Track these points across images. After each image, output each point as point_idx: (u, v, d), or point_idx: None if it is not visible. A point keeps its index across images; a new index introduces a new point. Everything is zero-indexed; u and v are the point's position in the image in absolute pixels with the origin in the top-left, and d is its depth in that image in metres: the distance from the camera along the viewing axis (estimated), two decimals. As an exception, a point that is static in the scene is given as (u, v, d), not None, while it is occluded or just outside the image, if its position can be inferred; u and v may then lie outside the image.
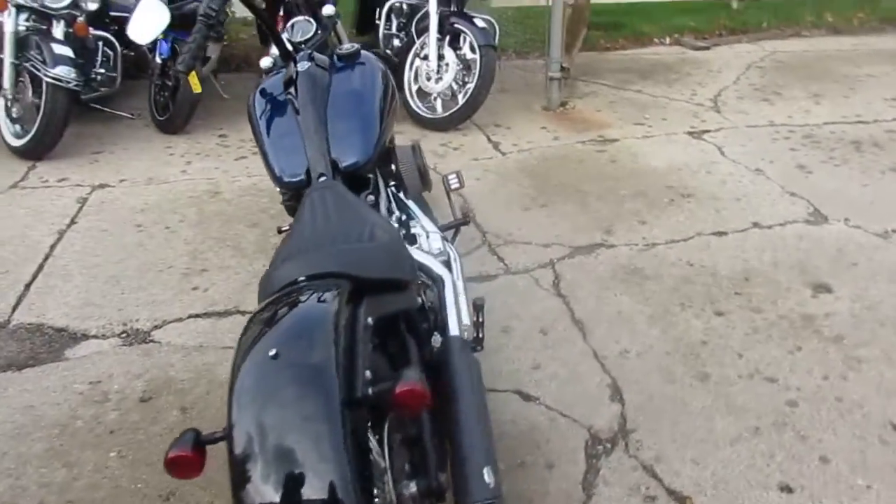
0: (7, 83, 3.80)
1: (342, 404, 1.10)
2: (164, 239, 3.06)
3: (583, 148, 4.04)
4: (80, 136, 4.14)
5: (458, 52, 4.21)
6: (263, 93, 2.06)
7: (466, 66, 4.20)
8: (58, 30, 3.89)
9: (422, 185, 2.10)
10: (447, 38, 4.21)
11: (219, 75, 4.69)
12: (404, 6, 4.57)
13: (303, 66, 2.01)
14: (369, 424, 1.21)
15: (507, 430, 2.03)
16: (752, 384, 2.21)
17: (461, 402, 1.48)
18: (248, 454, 1.05)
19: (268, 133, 1.98)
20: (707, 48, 6.11)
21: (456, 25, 4.16)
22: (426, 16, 4.19)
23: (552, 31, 4.47)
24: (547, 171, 3.74)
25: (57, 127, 3.78)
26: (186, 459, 1.08)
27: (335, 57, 2.08)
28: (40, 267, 2.86)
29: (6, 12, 3.77)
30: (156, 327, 2.50)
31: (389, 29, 4.67)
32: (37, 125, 3.75)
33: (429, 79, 4.24)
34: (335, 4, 4.66)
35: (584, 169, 3.76)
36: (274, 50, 2.12)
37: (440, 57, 4.18)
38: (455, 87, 4.23)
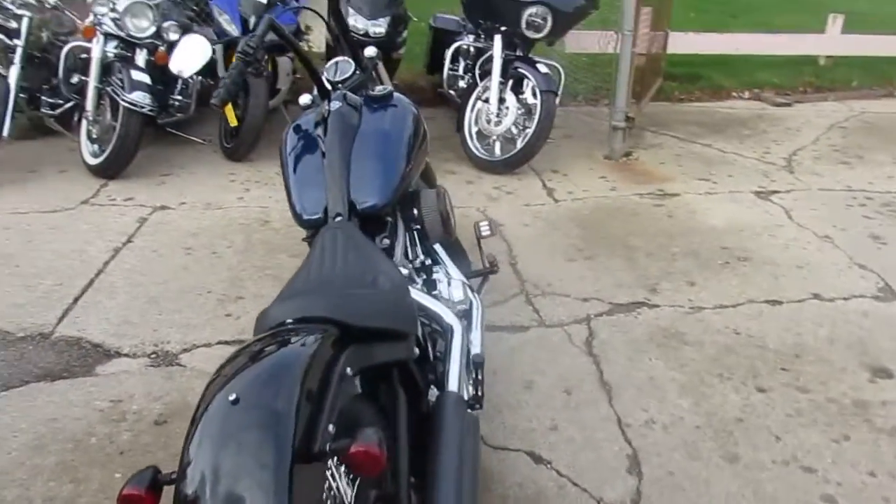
0: (90, 105, 4.03)
1: (294, 456, 1.07)
2: (208, 263, 3.14)
3: (639, 201, 3.92)
4: (153, 158, 4.33)
5: (520, 96, 4.20)
6: (296, 129, 2.10)
7: (528, 110, 4.18)
8: (140, 57, 4.10)
9: (443, 232, 2.07)
10: (510, 81, 4.21)
11: (289, 106, 4.84)
12: (471, 48, 4.61)
13: (335, 105, 2.03)
14: (334, 477, 1.17)
15: (511, 494, 1.94)
16: (786, 472, 2.04)
17: (443, 462, 1.42)
18: (193, 499, 1.03)
19: (294, 169, 2.01)
20: (788, 105, 5.88)
21: (519, 70, 4.16)
22: (491, 59, 4.21)
23: (619, 79, 4.40)
24: (598, 222, 3.64)
25: (129, 149, 3.97)
26: (138, 498, 1.07)
27: (367, 98, 2.09)
28: (91, 282, 2.98)
29: (95, 39, 4.02)
30: (184, 350, 2.55)
31: (455, 70, 4.71)
32: (111, 146, 3.95)
33: (488, 121, 4.24)
34: (400, 46, 4.78)
35: (638, 222, 3.64)
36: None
37: (501, 100, 4.18)
38: (514, 131, 4.21)
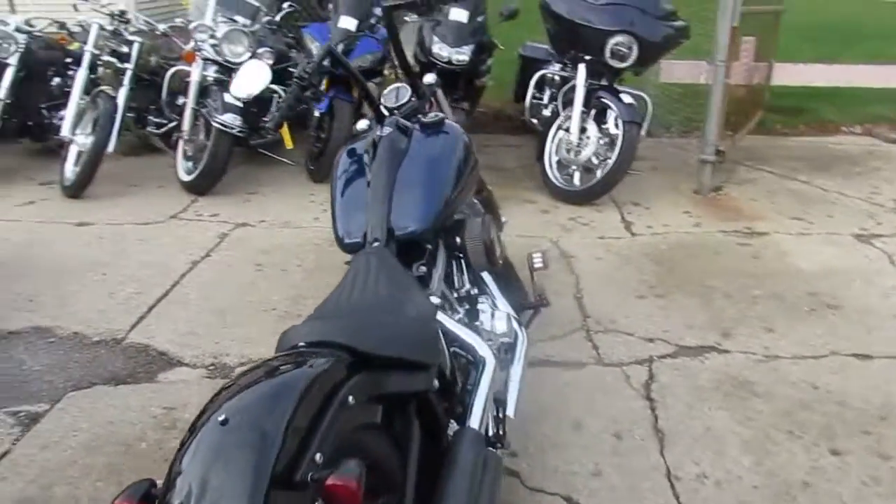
0: (186, 125, 4.27)
1: (272, 482, 1.06)
2: (276, 281, 3.22)
3: (724, 238, 3.72)
4: (244, 177, 4.53)
5: (602, 126, 4.10)
6: (349, 153, 2.12)
7: (611, 141, 4.08)
8: (235, 81, 4.32)
9: (487, 261, 2.02)
10: (592, 111, 4.12)
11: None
12: (556, 77, 4.56)
13: (386, 130, 2.04)
14: None
15: (541, 540, 1.85)
16: (853, 545, 1.85)
17: (448, 499, 1.37)
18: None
19: (340, 193, 2.02)
20: (904, 142, 5.46)
21: (602, 99, 4.06)
22: (575, 88, 4.14)
23: (709, 111, 4.22)
24: (675, 258, 3.48)
25: (218, 167, 4.17)
26: None
27: (420, 124, 2.09)
28: (166, 293, 3.13)
29: (195, 64, 4.26)
30: (241, 364, 2.61)
31: (539, 99, 4.67)
32: (202, 164, 4.16)
33: (569, 151, 4.16)
34: (484, 74, 4.78)
35: (719, 262, 3.45)
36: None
37: (582, 130, 4.09)
38: (595, 161, 4.11)
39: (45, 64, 4.71)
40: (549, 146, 4.28)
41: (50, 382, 2.53)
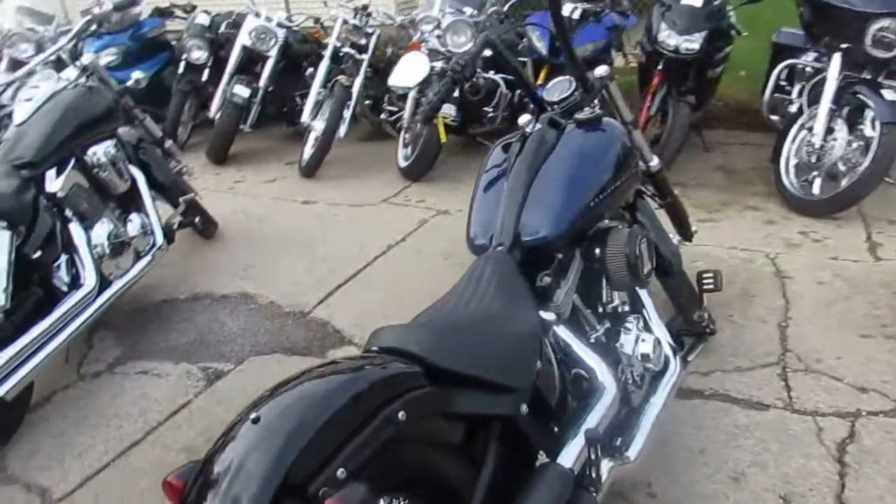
0: (407, 113, 4.44)
1: (280, 491, 1.03)
2: (457, 274, 3.22)
3: None
4: (459, 165, 4.62)
5: (856, 127, 3.46)
6: (504, 149, 2.03)
7: (866, 144, 3.42)
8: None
9: (629, 278, 1.78)
10: (845, 109, 3.49)
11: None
12: (807, 69, 3.93)
13: (537, 126, 1.91)
14: None
15: None
16: None
17: None
18: (193, 500, 1.07)
19: (483, 190, 1.95)
20: None
21: (858, 95, 3.42)
22: (824, 81, 3.54)
23: None
24: (929, 293, 2.82)
25: (430, 155, 4.30)
26: (175, 488, 1.14)
27: (575, 121, 1.92)
28: (356, 273, 3.30)
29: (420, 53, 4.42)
30: (401, 352, 2.66)
31: (784, 92, 4.07)
32: (416, 151, 4.32)
33: (810, 154, 3.57)
34: (719, 64, 4.27)
35: None
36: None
37: (829, 130, 3.49)
38: (843, 167, 3.48)
39: (300, 56, 5.23)
40: (788, 147, 3.71)
41: (240, 345, 2.81)
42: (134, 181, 3.11)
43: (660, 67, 4.08)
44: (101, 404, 2.50)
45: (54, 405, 2.52)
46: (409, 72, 2.43)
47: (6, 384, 2.14)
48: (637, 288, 1.92)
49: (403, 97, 4.63)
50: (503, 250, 1.71)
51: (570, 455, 1.44)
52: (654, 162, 2.29)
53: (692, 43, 3.95)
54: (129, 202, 3.09)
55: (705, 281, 2.19)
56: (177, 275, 3.39)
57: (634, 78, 4.64)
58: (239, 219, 4.03)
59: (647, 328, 1.92)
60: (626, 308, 1.96)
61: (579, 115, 1.91)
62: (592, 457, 1.38)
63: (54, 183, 2.70)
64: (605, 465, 1.55)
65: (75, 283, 2.57)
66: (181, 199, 3.32)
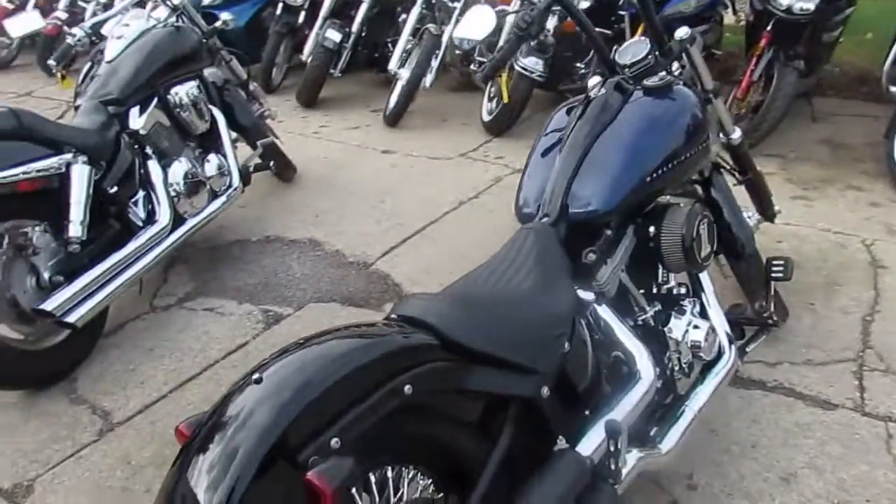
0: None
1: (268, 455, 1.04)
2: (524, 234, 3.15)
3: None
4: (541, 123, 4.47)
5: None
6: (567, 112, 1.93)
7: None
8: (551, 23, 4.22)
9: (683, 261, 1.66)
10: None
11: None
12: (941, 34, 3.52)
13: (601, 91, 1.80)
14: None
15: None
16: None
17: None
18: (190, 452, 1.09)
19: (539, 155, 1.87)
20: None
21: None
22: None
23: None
24: None
25: (514, 110, 4.18)
26: (184, 435, 1.17)
27: (643, 88, 1.79)
28: (424, 227, 3.28)
29: (511, 5, 4.26)
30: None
31: (908, 60, 3.67)
32: (500, 107, 4.21)
33: (930, 131, 3.23)
34: (836, 27, 3.89)
35: None
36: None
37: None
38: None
39: (394, 1, 5.16)
40: (905, 122, 3.38)
41: (302, 291, 2.87)
42: (215, 122, 3.19)
43: (768, 28, 3.75)
44: (168, 337, 2.63)
45: (126, 333, 2.67)
46: (475, 25, 2.33)
47: (77, 311, 2.28)
48: (694, 271, 1.80)
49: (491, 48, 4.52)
50: (548, 222, 1.63)
51: (590, 443, 1.38)
52: (736, 135, 2.12)
53: (807, 3, 3.59)
54: (209, 143, 3.17)
55: (774, 268, 2.03)
56: (252, 216, 3.49)
57: (743, 38, 4.31)
58: (318, 164, 4.08)
59: (703, 314, 1.80)
60: (683, 291, 1.84)
61: (648, 82, 1.78)
62: (612, 448, 1.32)
63: (137, 121, 2.79)
64: (634, 455, 1.48)
65: (151, 219, 2.68)
66: (259, 143, 3.38)
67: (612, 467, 1.34)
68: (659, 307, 1.76)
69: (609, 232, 1.65)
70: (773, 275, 2.03)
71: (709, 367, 1.76)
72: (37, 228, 2.33)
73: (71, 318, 2.26)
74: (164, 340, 2.60)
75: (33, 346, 2.38)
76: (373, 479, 1.21)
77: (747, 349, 1.97)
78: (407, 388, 1.16)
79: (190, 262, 3.12)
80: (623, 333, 1.57)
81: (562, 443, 1.40)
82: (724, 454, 1.93)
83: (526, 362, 1.33)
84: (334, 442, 1.07)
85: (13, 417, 2.29)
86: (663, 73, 1.83)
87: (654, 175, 1.66)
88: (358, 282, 2.91)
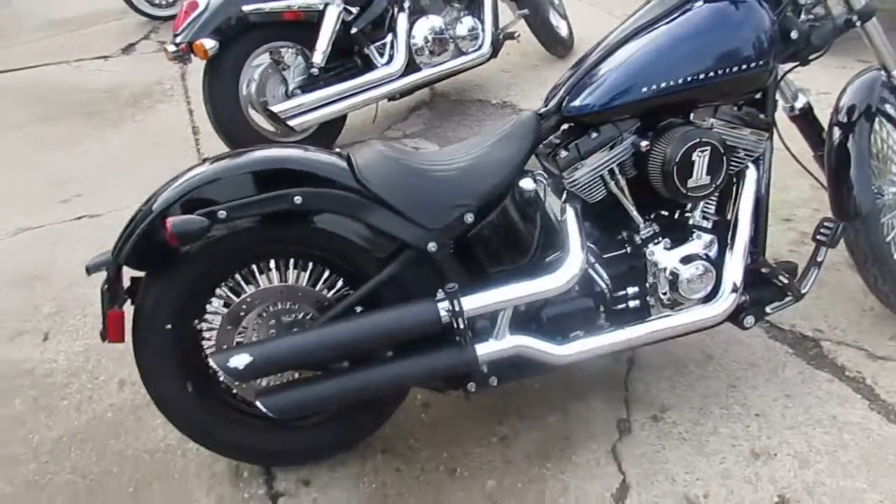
0: None
1: (178, 204, 1.48)
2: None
3: None
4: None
5: None
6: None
7: None
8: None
9: (663, 187, 1.48)
10: None
11: None
12: None
13: None
14: None
15: None
16: None
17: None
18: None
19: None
20: None
21: None
22: None
23: None
24: None
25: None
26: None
27: None
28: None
29: None
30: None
31: None
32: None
33: None
34: None
35: None
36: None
37: None
38: None
39: None
40: None
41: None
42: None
43: None
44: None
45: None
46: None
47: (299, 119, 2.96)
48: (690, 202, 1.64)
49: None
50: (540, 110, 1.67)
51: (465, 303, 1.50)
52: (801, 102, 1.78)
53: None
54: (475, 5, 3.48)
55: (822, 230, 1.65)
56: (505, 82, 3.78)
57: None
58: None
59: (708, 256, 1.64)
60: (704, 224, 1.69)
61: None
62: (454, 308, 1.46)
63: (401, -26, 3.25)
64: (515, 338, 1.55)
65: (388, 62, 3.19)
66: (518, 13, 3.58)
67: (456, 326, 1.47)
68: (653, 229, 1.66)
69: (595, 134, 1.61)
70: (819, 237, 1.66)
71: (679, 306, 1.64)
72: (291, 50, 3.04)
73: (292, 123, 2.95)
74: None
75: (281, 139, 3.17)
76: (255, 268, 1.58)
77: (766, 309, 1.68)
78: (297, 199, 1.48)
79: (433, 109, 3.61)
80: (569, 230, 1.59)
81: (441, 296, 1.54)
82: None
83: (416, 218, 1.52)
84: (221, 213, 1.45)
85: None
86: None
87: (668, 87, 1.55)
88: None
